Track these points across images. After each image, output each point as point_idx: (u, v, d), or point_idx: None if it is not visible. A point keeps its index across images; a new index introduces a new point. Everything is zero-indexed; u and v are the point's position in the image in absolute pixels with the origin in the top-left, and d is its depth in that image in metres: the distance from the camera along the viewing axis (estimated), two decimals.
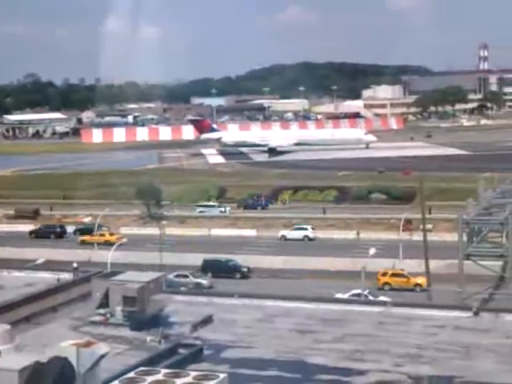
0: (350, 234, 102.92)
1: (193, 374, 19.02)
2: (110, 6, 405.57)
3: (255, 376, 26.12)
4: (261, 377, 26.13)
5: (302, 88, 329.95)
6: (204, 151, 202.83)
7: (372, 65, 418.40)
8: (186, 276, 78.84)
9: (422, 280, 74.18)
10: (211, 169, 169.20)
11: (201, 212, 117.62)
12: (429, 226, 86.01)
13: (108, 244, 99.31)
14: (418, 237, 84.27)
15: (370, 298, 63.30)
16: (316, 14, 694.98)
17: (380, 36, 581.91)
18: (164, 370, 19.62)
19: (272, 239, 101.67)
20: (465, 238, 63.73)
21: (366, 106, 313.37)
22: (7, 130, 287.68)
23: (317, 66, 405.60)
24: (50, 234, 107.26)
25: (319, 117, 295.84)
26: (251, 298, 36.95)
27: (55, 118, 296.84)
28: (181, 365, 24.93)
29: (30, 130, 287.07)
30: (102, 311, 31.94)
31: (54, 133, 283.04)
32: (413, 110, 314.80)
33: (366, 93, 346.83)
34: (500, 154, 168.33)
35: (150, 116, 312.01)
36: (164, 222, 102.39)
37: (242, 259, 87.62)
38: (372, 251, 77.74)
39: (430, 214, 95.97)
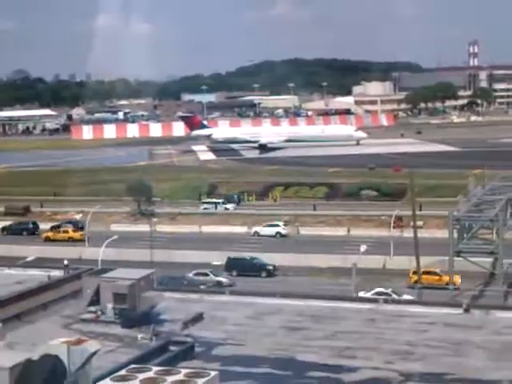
0: (341, 231, 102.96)
1: (184, 371, 19.02)
2: (101, 2, 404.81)
3: (246, 373, 26.13)
4: (252, 374, 26.15)
5: (292, 84, 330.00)
6: (194, 148, 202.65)
7: (362, 61, 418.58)
8: (206, 274, 78.32)
9: (455, 278, 73.10)
10: (202, 165, 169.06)
11: (205, 209, 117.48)
12: (419, 223, 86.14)
13: (72, 241, 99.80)
14: (408, 233, 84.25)
15: (394, 296, 62.80)
16: (306, 10, 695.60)
17: (370, 32, 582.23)
18: (155, 368, 19.61)
19: (263, 236, 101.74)
20: (455, 235, 63.94)
21: (357, 103, 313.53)
22: None
23: (307, 63, 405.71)
24: (23, 230, 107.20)
25: (309, 113, 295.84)
26: (242, 295, 36.97)
27: (45, 115, 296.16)
28: (172, 362, 24.96)
29: (20, 127, 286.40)
30: (92, 308, 31.91)
31: (43, 129, 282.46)
32: (403, 106, 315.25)
33: (356, 89, 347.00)
34: (490, 150, 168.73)
35: (140, 112, 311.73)
36: (155, 219, 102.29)
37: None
38: (363, 248, 77.75)
39: (420, 210, 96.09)
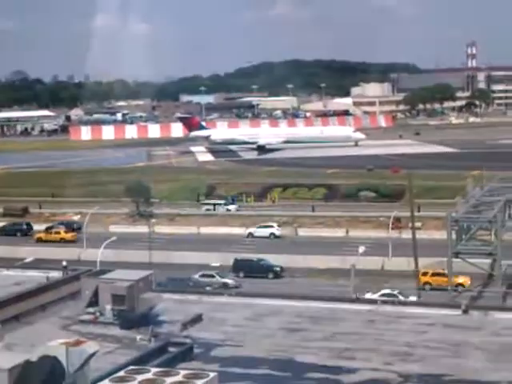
0: (339, 232, 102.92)
1: (183, 372, 19.01)
2: (100, 2, 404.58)
3: (245, 374, 26.11)
4: (251, 375, 26.13)
5: (290, 86, 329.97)
6: (193, 149, 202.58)
7: (361, 62, 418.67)
8: (212, 276, 78.01)
9: (464, 279, 72.27)
10: (200, 167, 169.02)
11: (207, 210, 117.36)
12: (418, 224, 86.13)
13: (63, 242, 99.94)
14: (407, 235, 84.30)
15: (401, 298, 62.66)
16: (305, 11, 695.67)
17: (368, 34, 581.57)
18: (154, 369, 19.60)
19: (263, 238, 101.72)
20: (454, 236, 63.92)
21: (355, 104, 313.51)
22: None
23: (305, 64, 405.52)
24: (17, 231, 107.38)
25: (308, 114, 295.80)
26: (240, 296, 36.96)
27: (43, 116, 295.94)
28: (171, 363, 24.94)
29: (19, 128, 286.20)
30: (91, 310, 31.88)
31: (42, 130, 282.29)
32: (401, 107, 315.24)
33: (354, 90, 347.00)
34: (488, 151, 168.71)
35: (138, 114, 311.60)
36: (153, 220, 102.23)
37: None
38: (361, 249, 77.71)
39: (419, 211, 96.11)
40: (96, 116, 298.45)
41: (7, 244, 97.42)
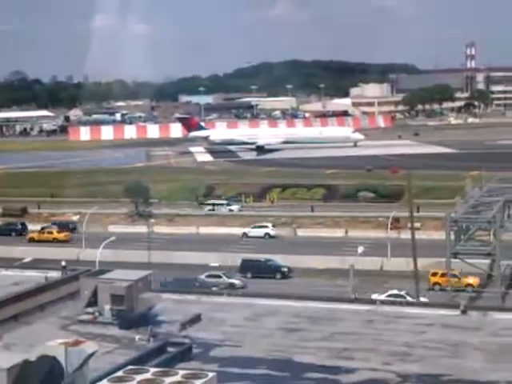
0: (339, 233, 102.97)
1: (182, 372, 19.02)
2: (99, 3, 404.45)
3: (244, 374, 26.12)
4: (249, 375, 26.13)
5: (289, 86, 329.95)
6: (192, 149, 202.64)
7: (360, 63, 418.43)
8: (219, 276, 77.85)
9: (473, 280, 72.25)
10: (199, 167, 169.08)
11: (210, 210, 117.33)
12: (417, 225, 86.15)
13: (56, 241, 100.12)
14: (406, 235, 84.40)
15: (409, 298, 62.55)
16: (304, 11, 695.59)
17: (368, 34, 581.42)
18: (153, 369, 19.60)
19: (258, 238, 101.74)
20: (453, 237, 63.98)
21: (354, 105, 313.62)
22: None
23: (304, 64, 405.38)
24: (11, 231, 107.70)
25: (307, 115, 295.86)
26: (239, 296, 36.99)
27: (42, 116, 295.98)
28: (170, 363, 24.93)
29: (18, 128, 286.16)
30: (90, 310, 31.87)
31: (41, 130, 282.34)
32: (400, 108, 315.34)
33: (353, 91, 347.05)
34: (487, 152, 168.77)
35: (137, 114, 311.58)
36: (152, 220, 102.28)
37: (239, 257, 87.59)
38: (360, 249, 77.74)
39: (418, 212, 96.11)
40: (95, 116, 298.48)
41: (1, 244, 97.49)
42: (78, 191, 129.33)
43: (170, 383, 18.22)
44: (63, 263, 42.98)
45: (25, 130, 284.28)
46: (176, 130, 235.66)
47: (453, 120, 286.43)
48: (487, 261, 68.37)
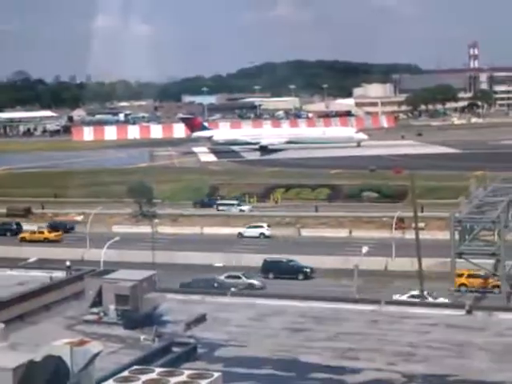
0: (343, 233, 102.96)
1: (187, 372, 19.00)
2: (102, 3, 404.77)
3: (249, 374, 26.10)
4: (254, 375, 26.11)
5: (293, 86, 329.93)
6: (195, 149, 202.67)
7: (363, 63, 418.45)
8: (238, 277, 77.44)
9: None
10: (203, 167, 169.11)
11: (220, 210, 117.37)
12: (421, 225, 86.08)
13: (47, 241, 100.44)
14: (410, 235, 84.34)
15: (430, 299, 62.26)
16: (307, 11, 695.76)
17: (371, 34, 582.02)
18: (158, 369, 19.59)
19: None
20: (457, 237, 63.83)
21: (357, 105, 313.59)
22: None
23: (308, 65, 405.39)
24: (6, 231, 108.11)
25: (310, 115, 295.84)
26: (244, 296, 36.97)
27: (46, 116, 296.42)
28: (175, 363, 24.91)
29: (21, 128, 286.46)
30: (95, 310, 31.87)
31: (44, 131, 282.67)
32: (403, 108, 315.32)
33: (356, 91, 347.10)
34: (491, 152, 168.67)
35: (141, 114, 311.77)
36: (156, 221, 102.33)
37: (243, 258, 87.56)
38: (364, 250, 77.69)
39: (422, 212, 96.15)
40: (98, 116, 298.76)
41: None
42: (81, 191, 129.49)
43: (175, 383, 18.20)
44: (68, 263, 43.01)
45: (28, 130, 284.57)
46: (179, 130, 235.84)
47: (456, 120, 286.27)
48: (492, 261, 68.22)
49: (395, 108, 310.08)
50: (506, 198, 71.21)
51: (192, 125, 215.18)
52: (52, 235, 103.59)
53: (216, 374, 18.97)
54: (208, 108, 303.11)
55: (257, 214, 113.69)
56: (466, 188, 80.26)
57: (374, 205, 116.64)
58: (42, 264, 64.50)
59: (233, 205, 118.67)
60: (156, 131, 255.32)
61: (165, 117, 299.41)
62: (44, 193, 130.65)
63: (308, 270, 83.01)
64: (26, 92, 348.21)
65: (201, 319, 31.78)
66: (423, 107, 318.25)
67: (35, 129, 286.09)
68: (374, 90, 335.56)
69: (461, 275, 72.84)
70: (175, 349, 27.96)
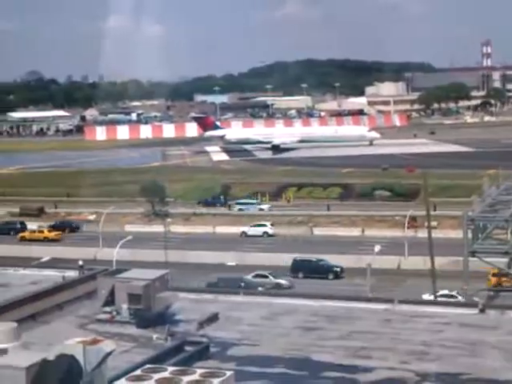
0: (355, 231, 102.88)
1: (199, 371, 18.98)
2: (113, 3, 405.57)
3: (261, 373, 26.08)
4: (267, 374, 26.09)
5: (305, 85, 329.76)
6: (208, 148, 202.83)
7: (375, 62, 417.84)
8: (266, 276, 76.97)
9: None
10: (215, 166, 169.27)
11: (240, 210, 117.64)
12: (434, 223, 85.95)
13: (47, 240, 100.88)
14: (422, 234, 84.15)
15: (459, 298, 61.99)
16: (317, 10, 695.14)
17: (383, 33, 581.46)
18: (171, 368, 19.58)
19: (276, 236, 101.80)
20: (470, 235, 63.64)
21: (370, 103, 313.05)
22: (11, 128, 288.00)
23: (319, 63, 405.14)
24: (10, 230, 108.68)
25: (322, 114, 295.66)
26: (256, 295, 36.97)
27: (58, 116, 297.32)
28: (187, 362, 24.92)
29: (34, 128, 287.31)
30: (107, 309, 31.89)
31: (57, 130, 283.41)
32: (416, 106, 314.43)
33: (369, 90, 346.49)
34: (504, 150, 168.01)
35: (153, 113, 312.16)
36: (169, 220, 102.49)
37: (255, 257, 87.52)
38: (377, 248, 77.60)
39: (434, 210, 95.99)
40: (111, 116, 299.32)
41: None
42: (94, 191, 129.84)
43: (187, 382, 18.19)
44: (80, 262, 43.04)
45: (41, 129, 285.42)
46: (192, 130, 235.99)
47: (469, 118, 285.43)
48: (505, 259, 68.00)
49: (408, 106, 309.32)
50: None
51: (204, 124, 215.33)
52: (52, 234, 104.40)
53: (228, 373, 18.95)
54: (220, 107, 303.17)
55: (275, 213, 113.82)
56: (478, 186, 80.00)
57: (386, 203, 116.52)
58: (54, 264, 64.83)
59: (252, 204, 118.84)
60: (168, 130, 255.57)
61: (177, 116, 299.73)
62: (57, 192, 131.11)
63: (338, 270, 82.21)
64: (39, 92, 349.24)
65: (213, 318, 31.78)
66: (436, 106, 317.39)
67: (48, 128, 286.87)
68: (387, 89, 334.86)
69: (495, 274, 71.84)
70: (188, 348, 27.95)
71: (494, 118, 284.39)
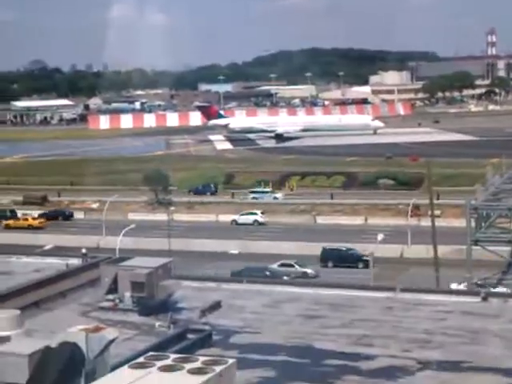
0: (358, 220, 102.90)
1: (202, 358, 19.00)
2: None
3: (264, 361, 26.15)
4: (269, 361, 26.15)
5: (309, 74, 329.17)
6: (211, 137, 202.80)
7: (379, 51, 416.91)
8: (292, 265, 76.54)
9: None
10: (219, 155, 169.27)
11: (253, 198, 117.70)
12: (437, 212, 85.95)
13: (31, 228, 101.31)
14: (426, 222, 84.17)
15: (486, 289, 61.20)
16: None
17: (387, 22, 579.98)
18: (173, 355, 19.59)
19: (279, 225, 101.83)
20: (473, 224, 63.65)
21: (374, 92, 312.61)
22: (15, 117, 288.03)
23: (323, 52, 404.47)
24: (1, 218, 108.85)
25: (326, 103, 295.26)
26: (259, 283, 37.02)
27: (62, 105, 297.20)
28: (190, 350, 24.96)
29: (38, 117, 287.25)
30: (110, 297, 31.97)
31: (61, 119, 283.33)
32: (420, 95, 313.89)
33: (373, 79, 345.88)
34: (508, 139, 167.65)
35: (157, 102, 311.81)
36: (172, 208, 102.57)
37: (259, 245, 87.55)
38: (380, 237, 77.57)
39: (438, 199, 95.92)
40: (114, 105, 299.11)
41: None
42: (97, 179, 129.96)
43: (190, 369, 18.22)
44: (84, 250, 43.12)
45: (45, 118, 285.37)
46: (195, 119, 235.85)
47: (473, 107, 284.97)
48: (508, 248, 68.01)
49: (412, 95, 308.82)
50: None
51: (208, 113, 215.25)
52: (36, 222, 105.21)
53: (230, 361, 18.96)
54: (224, 96, 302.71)
55: (273, 202, 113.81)
56: (482, 175, 79.97)
57: (389, 192, 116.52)
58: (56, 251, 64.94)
59: (266, 192, 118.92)
60: (172, 119, 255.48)
61: (181, 105, 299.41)
62: (60, 181, 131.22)
63: (368, 259, 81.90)
64: (42, 81, 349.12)
65: (216, 306, 31.85)
66: (440, 94, 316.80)
67: (52, 117, 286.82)
68: (391, 78, 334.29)
69: None
70: (190, 335, 28.03)
71: (498, 107, 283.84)
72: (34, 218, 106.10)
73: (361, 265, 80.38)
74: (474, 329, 29.12)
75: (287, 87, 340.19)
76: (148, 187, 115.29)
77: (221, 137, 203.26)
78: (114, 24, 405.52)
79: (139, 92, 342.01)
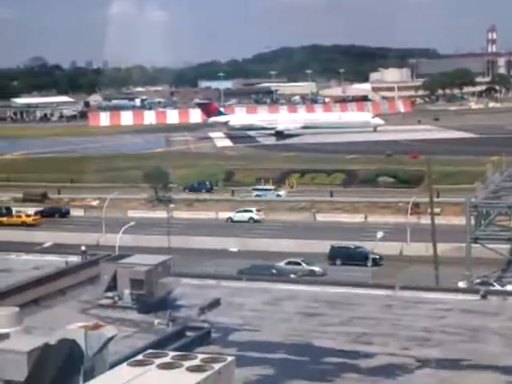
0: (358, 218, 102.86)
1: (200, 356, 18.99)
2: None
3: (263, 359, 26.18)
4: (268, 359, 26.19)
5: (309, 71, 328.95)
6: (211, 134, 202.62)
7: (380, 48, 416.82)
8: (299, 263, 75.91)
9: None
10: (219, 152, 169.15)
11: (257, 195, 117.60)
12: (437, 210, 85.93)
13: (25, 225, 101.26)
14: (425, 220, 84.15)
15: (497, 287, 60.99)
16: None
17: (387, 19, 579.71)
18: (172, 353, 19.60)
19: (277, 223, 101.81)
20: (473, 222, 63.71)
21: (374, 90, 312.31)
22: (15, 114, 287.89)
23: (324, 49, 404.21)
24: None
25: (327, 100, 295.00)
26: (258, 281, 37.05)
27: (62, 102, 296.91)
28: (188, 347, 25.00)
29: (38, 114, 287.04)
30: (110, 294, 32.01)
31: (61, 116, 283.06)
32: (420, 93, 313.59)
33: (373, 76, 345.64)
34: (508, 137, 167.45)
35: (157, 99, 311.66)
36: (172, 206, 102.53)
37: (258, 243, 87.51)
38: (379, 235, 77.60)
39: (438, 197, 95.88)
40: (115, 102, 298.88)
41: None
42: (97, 176, 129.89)
43: (188, 367, 18.22)
44: (83, 248, 43.16)
45: (45, 115, 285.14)
46: (195, 116, 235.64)
47: (473, 105, 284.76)
48: (508, 246, 68.09)
49: (412, 93, 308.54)
50: None
51: (208, 110, 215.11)
52: (30, 219, 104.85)
53: (229, 358, 18.96)
54: (224, 93, 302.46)
55: (273, 199, 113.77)
56: (482, 173, 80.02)
57: (389, 190, 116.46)
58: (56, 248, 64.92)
59: (269, 190, 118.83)
60: (172, 116, 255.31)
61: (181, 102, 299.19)
62: (60, 178, 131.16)
63: (377, 257, 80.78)
64: (42, 78, 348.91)
65: (215, 304, 31.88)
66: (440, 92, 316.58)
67: (52, 114, 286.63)
68: (391, 75, 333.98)
69: None
70: (189, 333, 28.07)
71: (498, 104, 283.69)
72: (27, 215, 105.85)
73: (369, 263, 79.74)
74: (473, 327, 29.15)
75: (287, 84, 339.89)
76: (148, 184, 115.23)
77: (221, 134, 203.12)
78: (114, 21, 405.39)
79: (139, 89, 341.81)
